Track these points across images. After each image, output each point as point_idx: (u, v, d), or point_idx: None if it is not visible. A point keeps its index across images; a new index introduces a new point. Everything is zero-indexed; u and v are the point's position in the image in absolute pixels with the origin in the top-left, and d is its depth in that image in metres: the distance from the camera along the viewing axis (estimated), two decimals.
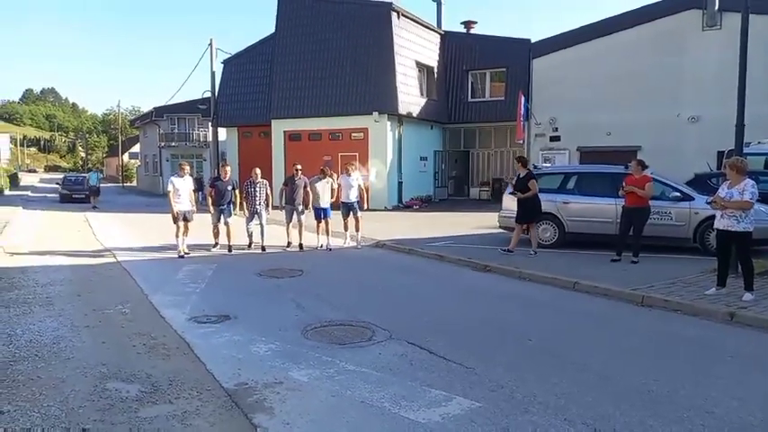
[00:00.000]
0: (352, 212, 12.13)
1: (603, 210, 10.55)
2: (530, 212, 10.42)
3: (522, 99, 20.80)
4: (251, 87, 26.88)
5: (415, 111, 23.34)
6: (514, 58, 23.33)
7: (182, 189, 11.00)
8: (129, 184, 56.97)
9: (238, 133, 28.00)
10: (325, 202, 11.89)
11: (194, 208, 11.28)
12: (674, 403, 4.07)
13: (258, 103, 26.19)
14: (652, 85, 19.12)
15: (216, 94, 27.17)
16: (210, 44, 26.64)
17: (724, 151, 12.68)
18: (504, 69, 24.69)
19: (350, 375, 4.66)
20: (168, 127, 40.09)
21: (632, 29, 19.75)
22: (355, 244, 12.24)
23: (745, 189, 6.73)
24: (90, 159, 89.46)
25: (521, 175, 10.60)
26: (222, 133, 29.34)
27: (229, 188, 11.62)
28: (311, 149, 22.92)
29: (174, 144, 39.65)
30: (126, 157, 64.14)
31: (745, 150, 12.59)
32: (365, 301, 7.37)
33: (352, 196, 12.04)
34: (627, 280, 7.93)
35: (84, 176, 31.16)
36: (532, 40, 22.51)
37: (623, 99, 19.49)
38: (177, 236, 10.99)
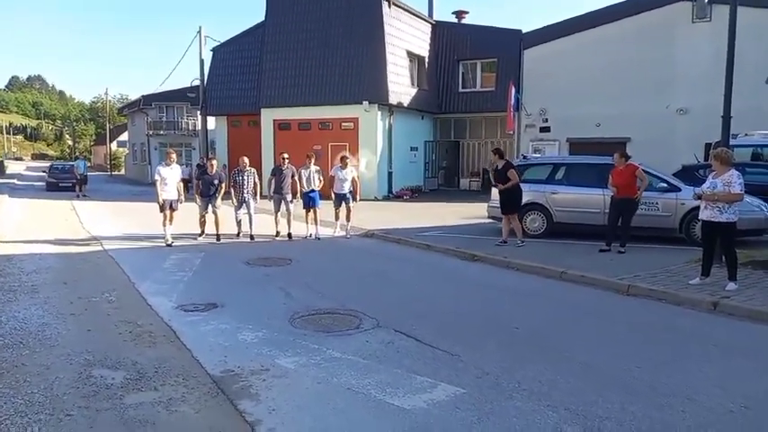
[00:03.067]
0: (344, 203, 12.12)
1: (591, 200, 10.61)
2: (513, 202, 10.44)
3: (513, 90, 20.82)
4: (240, 76, 26.61)
5: (406, 101, 23.27)
6: (505, 48, 23.30)
7: (169, 178, 10.94)
8: (116, 172, 56.41)
9: (227, 122, 27.76)
10: (312, 188, 11.85)
11: (182, 197, 11.22)
12: (655, 390, 4.13)
13: (248, 91, 25.95)
14: (642, 76, 19.20)
15: (205, 82, 26.91)
16: (200, 31, 26.36)
17: (712, 143, 12.79)
18: (495, 60, 24.64)
19: (336, 363, 4.67)
20: (156, 115, 39.67)
21: (623, 20, 19.79)
22: (345, 233, 12.23)
23: (732, 181, 6.77)
24: (77, 147, 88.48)
25: (498, 167, 10.59)
26: (211, 122, 29.10)
27: (216, 182, 11.55)
28: (301, 139, 22.78)
29: (162, 132, 39.25)
30: (114, 145, 63.41)
31: (733, 142, 12.73)
32: (353, 290, 7.38)
33: (346, 188, 12.02)
34: (613, 269, 8.00)
35: (72, 164, 30.78)
36: (524, 31, 22.53)
37: (613, 90, 19.56)
38: (164, 224, 10.93)
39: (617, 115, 19.38)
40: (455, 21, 28.22)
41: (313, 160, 12.08)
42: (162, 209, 10.89)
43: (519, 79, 21.65)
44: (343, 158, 12.26)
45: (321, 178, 12.03)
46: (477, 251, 9.74)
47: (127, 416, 3.72)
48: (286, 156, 12.13)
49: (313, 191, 11.86)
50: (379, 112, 22.02)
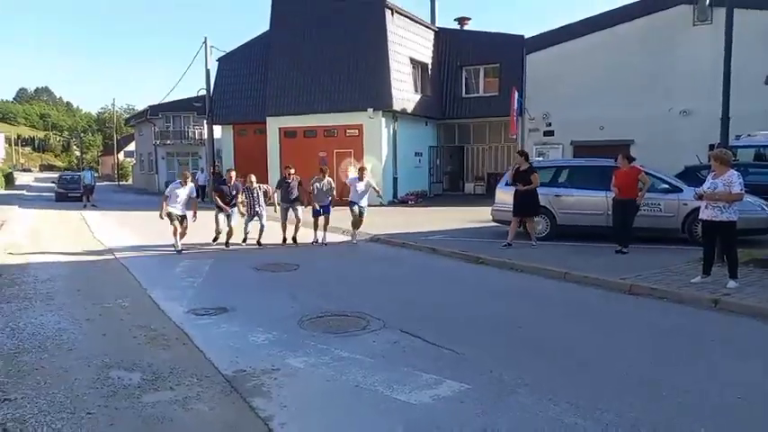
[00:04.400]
0: (361, 211, 12.11)
1: (594, 202, 10.73)
2: (527, 206, 10.58)
3: (516, 94, 20.96)
4: (246, 85, 26.95)
5: (410, 107, 23.47)
6: (508, 53, 23.50)
7: (180, 196, 11.19)
8: (124, 182, 56.93)
9: (234, 131, 28.07)
10: (325, 201, 12.06)
11: (194, 216, 11.35)
12: (654, 385, 4.25)
13: (253, 100, 26.26)
14: (644, 79, 19.33)
15: (211, 91, 27.23)
16: (205, 42, 26.72)
17: (715, 144, 12.88)
18: (498, 65, 24.83)
19: (344, 362, 4.82)
20: (163, 125, 40.10)
21: (625, 24, 19.95)
22: (350, 239, 12.38)
23: (733, 181, 6.89)
24: (85, 158, 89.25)
25: (520, 168, 10.76)
26: (218, 131, 29.43)
27: (234, 192, 11.74)
28: (306, 146, 23.05)
29: (169, 142, 39.69)
30: (121, 155, 64.05)
31: (736, 143, 12.86)
32: (360, 293, 7.53)
33: (365, 201, 12.12)
34: (616, 270, 8.11)
35: (80, 175, 31.10)
36: (526, 36, 22.71)
37: (616, 93, 19.69)
38: (174, 234, 11.11)
39: (620, 118, 19.49)
40: (457, 27, 28.42)
41: (327, 174, 12.30)
42: (171, 219, 11.10)
43: (522, 84, 21.81)
44: (362, 169, 12.26)
45: (333, 191, 12.22)
46: (482, 254, 9.87)
47: (145, 413, 3.88)
48: (292, 171, 12.28)
49: (325, 205, 12.05)
50: (384, 119, 22.23)
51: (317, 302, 6.91)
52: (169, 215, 11.12)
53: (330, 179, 12.33)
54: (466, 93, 26.01)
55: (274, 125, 24.25)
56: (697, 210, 9.05)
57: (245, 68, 27.12)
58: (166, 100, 36.19)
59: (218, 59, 28.03)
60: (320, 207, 12.01)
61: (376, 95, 21.89)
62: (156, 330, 5.85)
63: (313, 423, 3.78)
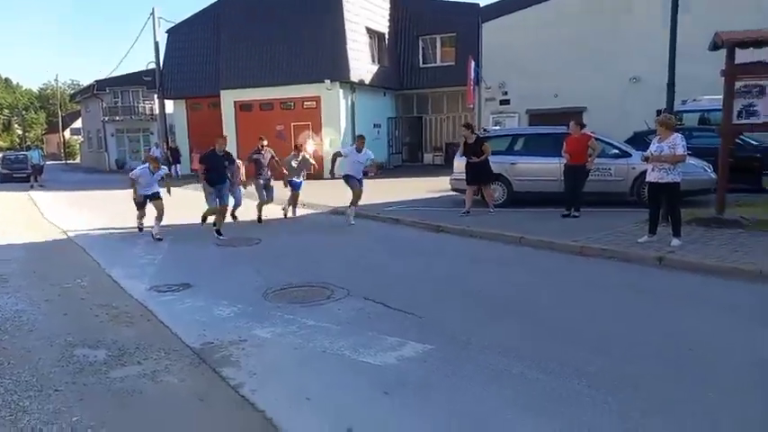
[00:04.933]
0: (359, 185, 11.35)
1: (548, 169, 11.05)
2: (480, 173, 10.82)
3: (472, 64, 21.10)
4: (198, 57, 26.12)
5: (367, 78, 23.31)
6: (464, 23, 23.52)
7: (151, 180, 10.34)
8: (72, 161, 54.80)
9: (186, 105, 27.30)
10: (301, 176, 11.89)
11: (158, 189, 10.59)
12: (606, 339, 4.55)
13: (206, 73, 25.50)
14: (596, 46, 19.73)
15: (161, 65, 26.31)
16: (153, 13, 25.70)
17: (661, 110, 13.34)
18: (455, 34, 24.82)
19: (311, 330, 4.94)
20: (111, 100, 38.53)
21: None
22: (350, 219, 11.33)
23: (676, 143, 7.26)
24: (28, 137, 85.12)
25: (467, 142, 10.93)
26: (169, 106, 28.55)
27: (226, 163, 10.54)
28: (263, 119, 22.64)
29: (118, 118, 38.23)
30: (67, 133, 61.38)
31: (682, 108, 13.34)
32: (323, 264, 7.62)
33: (360, 171, 11.42)
34: (568, 232, 8.45)
35: (26, 155, 29.75)
36: (481, 5, 22.79)
37: (569, 62, 20.06)
38: (139, 218, 10.62)
39: (573, 86, 19.91)
40: None
41: (302, 151, 12.00)
42: (139, 207, 10.50)
43: (478, 53, 21.94)
44: (361, 138, 11.66)
45: (313, 162, 12.04)
46: (442, 222, 10.08)
47: (114, 388, 3.91)
48: (265, 142, 11.92)
49: (298, 183, 11.85)
50: (341, 90, 22.04)
51: (280, 275, 6.96)
52: (138, 202, 10.45)
53: (306, 155, 12.08)
54: (423, 63, 25.95)
55: (229, 98, 23.70)
56: (645, 173, 9.50)
57: (195, 40, 26.24)
58: (114, 74, 34.82)
59: (168, 31, 27.03)
60: (298, 183, 11.84)
61: (333, 66, 21.63)
62: (118, 308, 5.82)
63: (283, 388, 3.89)
